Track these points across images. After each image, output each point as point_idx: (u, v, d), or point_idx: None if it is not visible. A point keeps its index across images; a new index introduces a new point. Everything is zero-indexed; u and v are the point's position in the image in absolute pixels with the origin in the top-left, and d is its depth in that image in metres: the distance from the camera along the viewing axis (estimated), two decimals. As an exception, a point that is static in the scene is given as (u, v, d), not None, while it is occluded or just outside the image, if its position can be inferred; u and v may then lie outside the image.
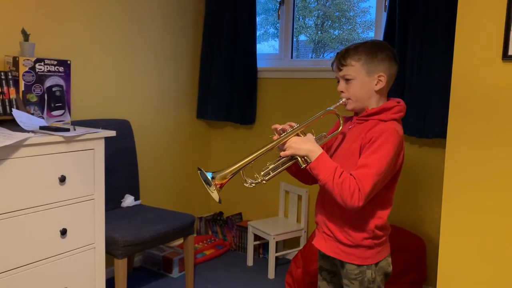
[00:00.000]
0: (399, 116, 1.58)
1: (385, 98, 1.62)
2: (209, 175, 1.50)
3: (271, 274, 3.01)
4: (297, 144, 1.54)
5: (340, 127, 1.63)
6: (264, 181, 1.56)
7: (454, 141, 1.71)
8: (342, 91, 1.61)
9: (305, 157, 1.53)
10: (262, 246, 3.32)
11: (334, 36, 3.41)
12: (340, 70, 1.60)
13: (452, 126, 1.71)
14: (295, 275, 2.61)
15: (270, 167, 1.58)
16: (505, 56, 1.58)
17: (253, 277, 3.02)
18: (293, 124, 1.61)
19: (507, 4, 1.55)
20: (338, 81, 1.63)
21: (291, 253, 3.20)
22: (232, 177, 1.51)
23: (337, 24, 3.41)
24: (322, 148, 1.56)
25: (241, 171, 1.53)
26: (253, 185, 1.55)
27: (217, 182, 1.50)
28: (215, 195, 1.50)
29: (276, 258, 3.11)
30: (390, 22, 2.68)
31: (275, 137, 1.60)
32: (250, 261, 3.21)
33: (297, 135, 1.58)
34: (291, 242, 3.24)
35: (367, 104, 1.60)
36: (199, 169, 1.53)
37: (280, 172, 1.59)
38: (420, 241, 2.65)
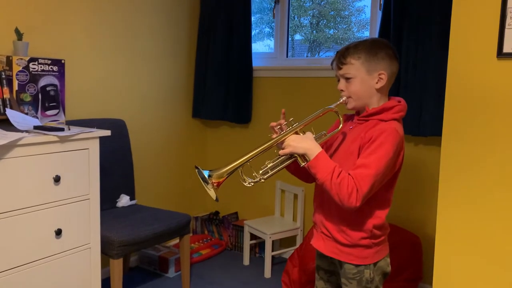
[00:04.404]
0: (399, 115, 1.57)
1: (386, 97, 1.62)
2: (206, 174, 1.49)
3: (267, 273, 3.01)
4: (295, 143, 1.53)
5: (340, 125, 1.61)
6: (262, 180, 1.55)
7: (449, 138, 1.71)
8: (342, 90, 1.60)
9: (304, 156, 1.52)
10: (258, 245, 3.32)
11: (329, 35, 3.41)
12: (340, 68, 1.59)
13: (448, 123, 1.71)
14: (292, 274, 2.60)
15: (269, 165, 1.57)
16: (500, 53, 1.58)
17: (249, 277, 3.01)
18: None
19: (502, 1, 1.56)
20: (338, 80, 1.62)
21: (287, 252, 3.20)
22: (228, 176, 1.50)
23: (332, 23, 3.41)
24: (322, 147, 1.54)
25: (239, 170, 1.52)
26: (252, 184, 1.54)
27: (214, 181, 1.49)
28: (212, 193, 1.49)
29: (273, 257, 3.11)
30: (385, 20, 2.68)
31: (274, 135, 1.59)
32: (246, 261, 3.21)
33: (296, 133, 1.57)
34: (287, 241, 3.24)
35: (368, 103, 1.59)
36: (197, 168, 1.52)
37: (279, 170, 1.58)
38: (416, 239, 2.65)
